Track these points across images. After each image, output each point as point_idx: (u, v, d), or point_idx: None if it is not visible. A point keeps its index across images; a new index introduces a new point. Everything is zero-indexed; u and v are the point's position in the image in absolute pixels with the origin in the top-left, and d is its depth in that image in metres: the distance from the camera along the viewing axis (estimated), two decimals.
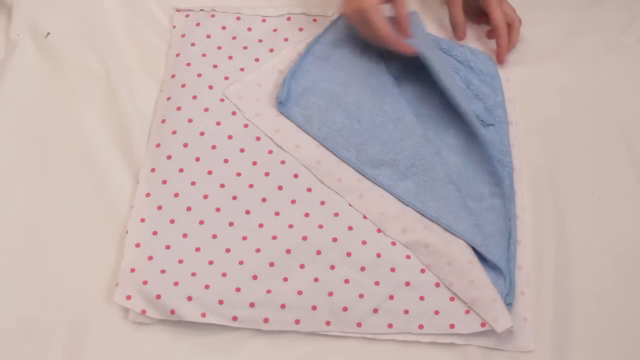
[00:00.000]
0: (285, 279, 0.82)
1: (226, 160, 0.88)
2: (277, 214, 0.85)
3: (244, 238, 0.84)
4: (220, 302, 0.80)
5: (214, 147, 0.88)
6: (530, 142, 0.92)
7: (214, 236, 0.84)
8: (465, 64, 0.95)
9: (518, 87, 0.96)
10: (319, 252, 0.83)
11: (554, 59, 0.98)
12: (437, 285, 0.82)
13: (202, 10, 0.98)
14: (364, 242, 0.84)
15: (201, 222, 0.84)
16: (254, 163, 0.88)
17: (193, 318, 0.79)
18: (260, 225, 0.85)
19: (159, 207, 0.85)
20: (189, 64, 0.93)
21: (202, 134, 0.89)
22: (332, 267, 0.83)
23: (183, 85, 0.92)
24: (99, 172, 0.87)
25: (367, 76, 0.92)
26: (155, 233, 0.83)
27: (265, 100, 0.92)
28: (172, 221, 0.84)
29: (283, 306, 0.80)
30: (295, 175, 0.88)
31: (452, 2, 0.95)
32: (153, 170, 0.87)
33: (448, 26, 0.99)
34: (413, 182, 0.86)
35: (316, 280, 0.82)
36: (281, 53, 0.95)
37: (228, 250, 0.83)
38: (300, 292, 0.81)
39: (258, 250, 0.83)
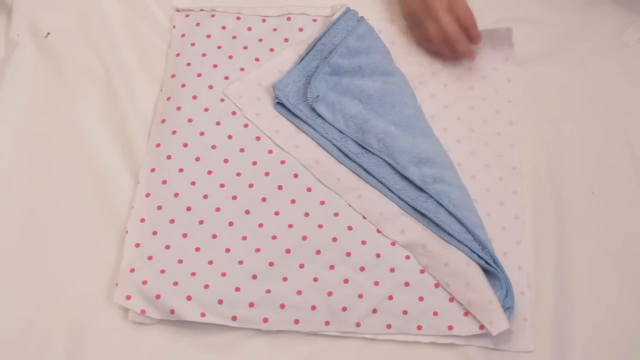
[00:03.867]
0: (285, 279, 0.82)
1: (226, 160, 0.88)
2: (276, 213, 0.85)
3: (244, 238, 0.84)
4: (220, 301, 0.80)
5: (213, 147, 0.88)
6: (530, 142, 0.92)
7: (214, 236, 0.84)
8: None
9: (518, 87, 0.96)
10: (318, 252, 0.83)
11: (554, 59, 0.98)
12: (437, 286, 0.82)
13: (202, 10, 0.98)
14: (363, 242, 0.84)
15: (201, 222, 0.84)
16: (254, 163, 0.88)
17: (193, 318, 0.79)
18: (260, 225, 0.85)
19: (159, 207, 0.85)
20: (189, 64, 0.93)
21: (202, 133, 0.89)
22: (332, 267, 0.83)
23: (183, 85, 0.92)
24: (99, 172, 0.87)
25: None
26: (155, 233, 0.83)
27: (265, 100, 0.92)
28: (171, 221, 0.84)
29: (282, 306, 0.80)
30: (295, 175, 0.88)
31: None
32: (153, 170, 0.87)
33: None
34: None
35: (316, 280, 0.82)
36: (281, 53, 0.95)
37: (228, 250, 0.83)
38: (299, 292, 0.81)
39: (258, 250, 0.83)
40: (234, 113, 0.91)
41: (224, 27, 0.97)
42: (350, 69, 0.92)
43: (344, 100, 0.90)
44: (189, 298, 0.80)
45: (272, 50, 0.96)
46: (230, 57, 0.95)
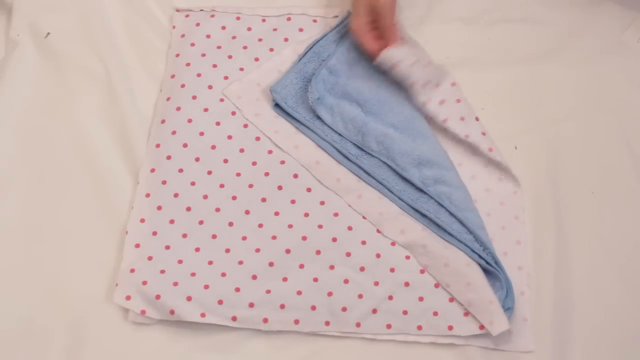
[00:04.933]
0: (285, 279, 0.82)
1: (226, 160, 0.88)
2: (276, 213, 0.85)
3: (244, 238, 0.84)
4: (220, 302, 0.80)
5: (213, 147, 0.88)
6: (530, 142, 0.92)
7: (214, 236, 0.84)
8: None
9: (518, 87, 0.96)
10: (318, 252, 0.83)
11: (554, 59, 0.98)
12: (437, 286, 0.82)
13: (202, 10, 0.98)
14: (363, 242, 0.84)
15: (201, 222, 0.84)
16: (254, 163, 0.88)
17: (192, 318, 0.79)
18: (260, 225, 0.85)
19: (159, 208, 0.85)
20: (188, 64, 0.93)
21: (201, 134, 0.89)
22: (332, 267, 0.83)
23: (182, 85, 0.92)
24: (99, 172, 0.88)
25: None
26: (155, 233, 0.83)
27: (264, 100, 0.92)
28: (171, 221, 0.84)
29: (282, 306, 0.80)
30: (295, 175, 0.88)
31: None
32: (153, 170, 0.87)
33: None
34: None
35: (315, 280, 0.82)
36: (281, 53, 0.95)
37: (228, 250, 0.83)
38: (299, 292, 0.81)
39: (258, 250, 0.83)
40: (233, 113, 0.91)
41: (223, 27, 0.97)
42: (349, 71, 0.92)
43: (342, 104, 0.90)
44: (189, 298, 0.80)
45: (271, 50, 0.96)
46: (230, 57, 0.95)
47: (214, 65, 0.93)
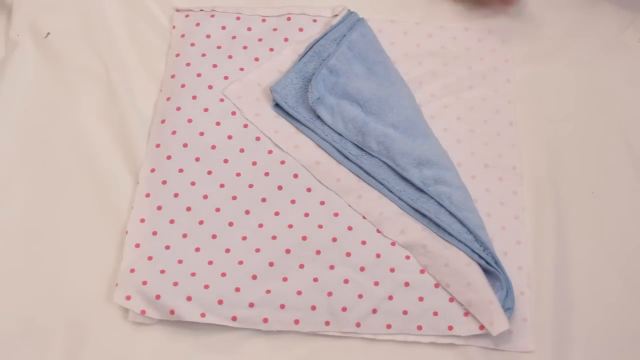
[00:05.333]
0: (285, 279, 0.82)
1: (226, 160, 0.88)
2: (276, 214, 0.85)
3: (244, 238, 0.84)
4: (220, 302, 0.80)
5: (213, 147, 0.88)
6: (530, 142, 0.92)
7: (214, 236, 0.84)
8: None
9: (518, 87, 0.96)
10: (318, 252, 0.83)
11: (554, 59, 0.98)
12: (437, 286, 0.82)
13: (202, 10, 0.98)
14: (363, 242, 0.84)
15: (201, 222, 0.84)
16: (254, 163, 0.88)
17: (192, 318, 0.79)
18: (260, 225, 0.85)
19: (159, 208, 0.85)
20: (188, 64, 0.93)
21: (201, 134, 0.89)
22: (332, 267, 0.83)
23: (182, 85, 0.92)
24: (99, 172, 0.88)
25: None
26: (155, 233, 0.83)
27: (264, 100, 0.92)
28: (171, 221, 0.84)
29: (282, 306, 0.80)
30: (295, 175, 0.88)
31: None
32: (153, 170, 0.87)
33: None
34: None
35: (316, 280, 0.82)
36: (281, 53, 0.95)
37: (228, 250, 0.83)
38: (299, 292, 0.81)
39: (258, 250, 0.83)
40: (233, 113, 0.91)
41: (223, 27, 0.97)
42: (349, 71, 0.92)
43: (343, 104, 0.90)
44: (189, 298, 0.80)
45: (271, 50, 0.96)
46: (230, 57, 0.95)
47: (214, 65, 0.93)
